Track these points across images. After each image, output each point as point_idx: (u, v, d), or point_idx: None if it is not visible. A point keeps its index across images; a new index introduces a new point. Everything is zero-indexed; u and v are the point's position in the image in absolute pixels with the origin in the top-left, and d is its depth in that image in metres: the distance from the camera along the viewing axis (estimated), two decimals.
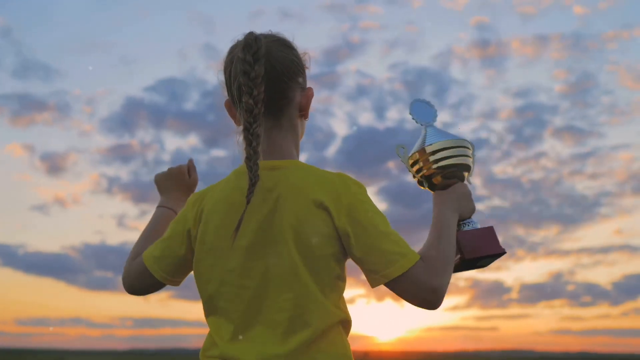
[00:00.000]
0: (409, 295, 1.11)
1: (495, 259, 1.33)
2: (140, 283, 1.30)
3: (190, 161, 1.52)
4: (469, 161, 1.34)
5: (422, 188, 1.38)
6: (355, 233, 1.11)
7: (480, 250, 1.28)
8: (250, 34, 1.17)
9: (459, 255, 1.29)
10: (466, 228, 1.31)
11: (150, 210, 1.50)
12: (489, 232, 1.31)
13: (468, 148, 1.34)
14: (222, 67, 1.25)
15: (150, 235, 1.39)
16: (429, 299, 1.10)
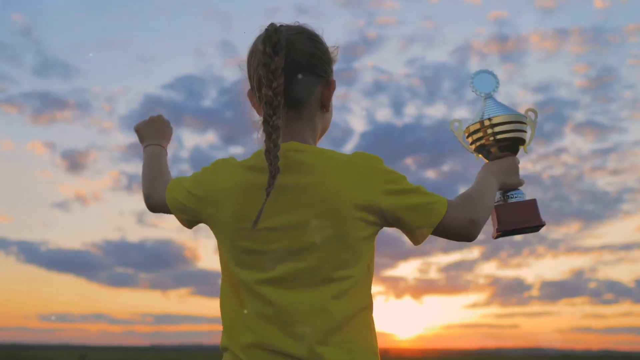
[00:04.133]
0: (449, 232, 1.19)
1: (536, 230, 1.41)
2: (162, 208, 1.36)
3: (161, 115, 1.59)
4: (525, 135, 1.41)
5: (476, 155, 1.45)
6: (394, 203, 1.15)
7: (519, 222, 1.37)
8: (272, 25, 1.17)
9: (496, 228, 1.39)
10: (511, 200, 1.39)
11: None
12: (531, 204, 1.39)
13: (525, 123, 1.41)
14: (247, 58, 1.25)
15: (157, 163, 1.46)
16: (468, 230, 1.20)
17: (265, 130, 1.13)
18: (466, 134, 1.45)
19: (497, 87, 1.45)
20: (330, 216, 1.12)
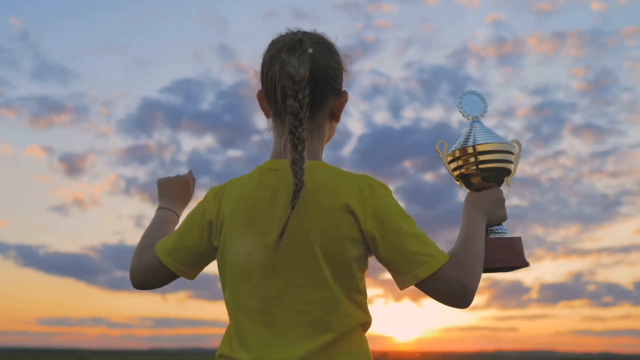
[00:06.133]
0: (440, 294, 1.12)
1: (518, 268, 1.30)
2: (153, 276, 1.28)
3: (190, 173, 1.53)
4: (511, 166, 1.31)
5: (458, 183, 1.34)
6: (381, 236, 1.11)
7: (500, 261, 1.25)
8: (295, 34, 1.17)
9: None
10: (493, 236, 1.27)
11: None
12: (515, 243, 1.28)
13: (512, 153, 1.30)
14: (260, 60, 1.23)
15: (157, 234, 1.37)
16: (461, 296, 1.11)
17: (291, 142, 1.12)
18: (449, 159, 1.33)
19: (485, 110, 1.35)
20: (326, 232, 1.11)
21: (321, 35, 1.22)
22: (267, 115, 1.25)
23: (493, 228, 1.28)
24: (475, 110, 1.35)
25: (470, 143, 1.29)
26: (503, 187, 1.32)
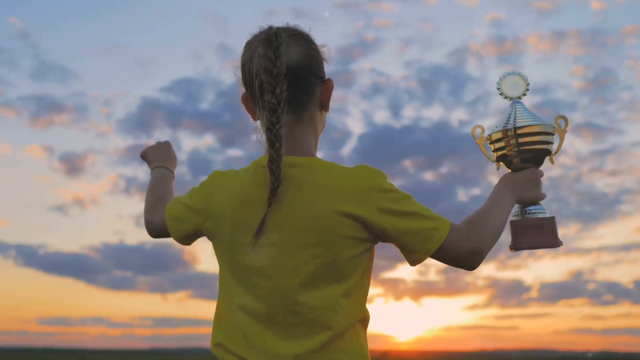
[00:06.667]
0: (449, 259, 1.15)
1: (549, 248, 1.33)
2: (162, 232, 1.36)
3: (167, 142, 1.62)
4: (551, 147, 1.33)
5: (497, 166, 1.37)
6: (390, 224, 1.11)
7: (532, 242, 1.30)
8: (270, 28, 1.15)
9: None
10: (528, 216, 1.31)
11: None
12: (548, 223, 1.31)
13: (552, 134, 1.33)
14: (240, 63, 1.21)
15: (162, 188, 1.47)
16: (468, 259, 1.14)
17: (268, 139, 1.10)
18: (488, 142, 1.36)
19: (526, 90, 1.36)
20: (321, 233, 1.10)
21: (295, 27, 1.21)
22: (254, 118, 1.23)
23: (529, 208, 1.32)
24: (515, 91, 1.37)
25: (510, 125, 1.32)
26: (545, 166, 1.34)
